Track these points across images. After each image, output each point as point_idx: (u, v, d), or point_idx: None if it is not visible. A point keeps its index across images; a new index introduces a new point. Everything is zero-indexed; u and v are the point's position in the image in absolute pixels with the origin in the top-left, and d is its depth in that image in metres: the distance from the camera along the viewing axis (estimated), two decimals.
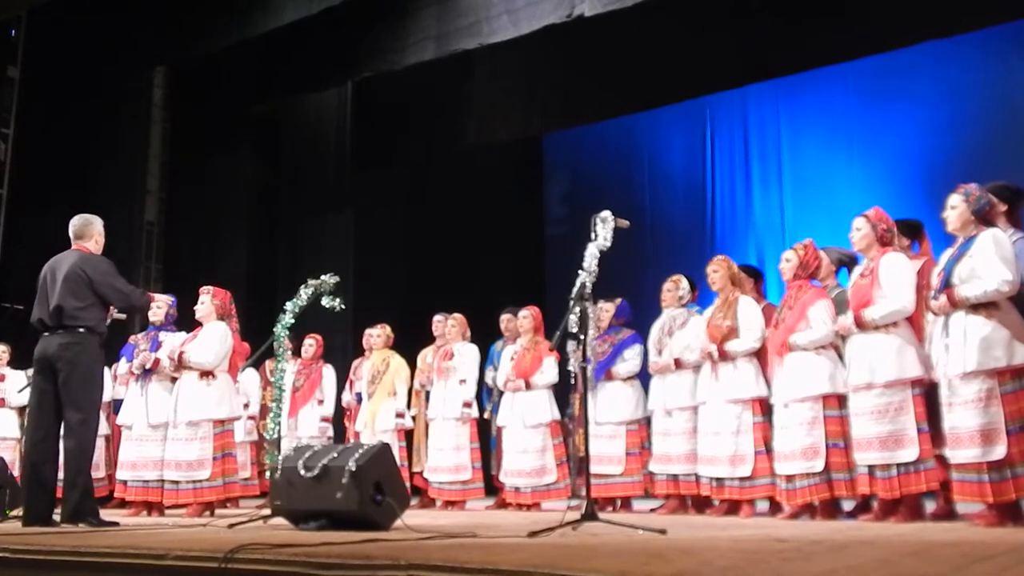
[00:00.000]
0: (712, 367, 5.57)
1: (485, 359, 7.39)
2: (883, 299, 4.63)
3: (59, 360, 4.88)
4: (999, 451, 4.03)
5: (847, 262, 5.47)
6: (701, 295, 6.53)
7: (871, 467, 4.61)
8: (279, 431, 5.75)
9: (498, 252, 10.73)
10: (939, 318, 4.34)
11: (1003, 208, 4.49)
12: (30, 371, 8.09)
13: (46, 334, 4.97)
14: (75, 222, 5.25)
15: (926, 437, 4.47)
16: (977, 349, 4.12)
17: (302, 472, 4.19)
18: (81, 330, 4.93)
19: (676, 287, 6.20)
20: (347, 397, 8.01)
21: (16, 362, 8.46)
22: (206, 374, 6.07)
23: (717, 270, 5.72)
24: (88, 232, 5.22)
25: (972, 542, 3.28)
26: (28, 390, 7.99)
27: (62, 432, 4.86)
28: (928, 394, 4.52)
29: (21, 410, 8.36)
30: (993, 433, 4.05)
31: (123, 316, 5.81)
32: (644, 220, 10.06)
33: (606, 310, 6.50)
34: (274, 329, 5.72)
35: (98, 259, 5.14)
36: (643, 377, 6.45)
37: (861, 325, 4.67)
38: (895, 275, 4.64)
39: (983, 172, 5.82)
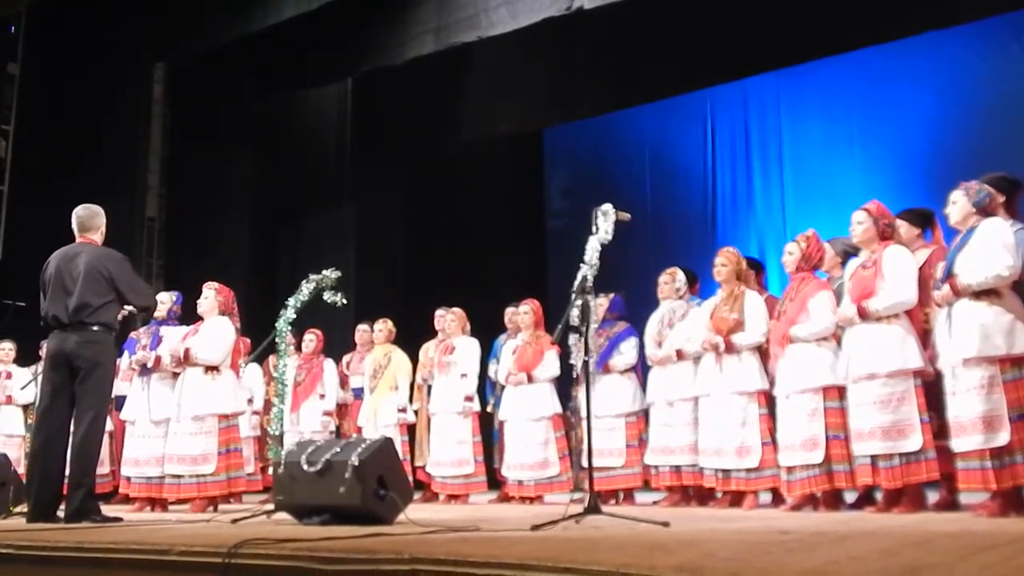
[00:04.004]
0: (716, 359, 5.57)
1: (488, 353, 7.39)
2: (886, 290, 4.63)
3: (79, 358, 4.80)
4: (1002, 438, 4.05)
5: (853, 253, 5.45)
6: (702, 287, 6.52)
7: (873, 457, 4.62)
8: (282, 426, 5.75)
9: (499, 246, 10.73)
10: (943, 308, 4.35)
11: (1001, 199, 4.49)
12: (33, 367, 8.14)
13: (59, 330, 4.88)
14: (81, 213, 5.12)
15: (927, 427, 4.49)
16: (978, 336, 4.14)
17: (305, 467, 4.19)
18: (96, 328, 4.86)
19: (672, 279, 6.21)
20: (340, 394, 7.97)
21: (21, 359, 8.46)
22: (211, 369, 6.07)
23: (725, 264, 5.71)
24: (95, 224, 5.12)
25: (975, 532, 3.29)
26: (31, 386, 8.05)
27: (72, 429, 4.80)
28: (932, 386, 4.53)
29: (26, 407, 8.37)
30: (996, 420, 4.07)
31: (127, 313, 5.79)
32: (645, 213, 10.05)
33: (600, 304, 6.50)
34: (276, 324, 5.72)
35: (117, 256, 5.05)
36: (641, 369, 6.45)
37: (864, 316, 4.68)
38: (899, 267, 4.65)
39: (984, 162, 5.81)
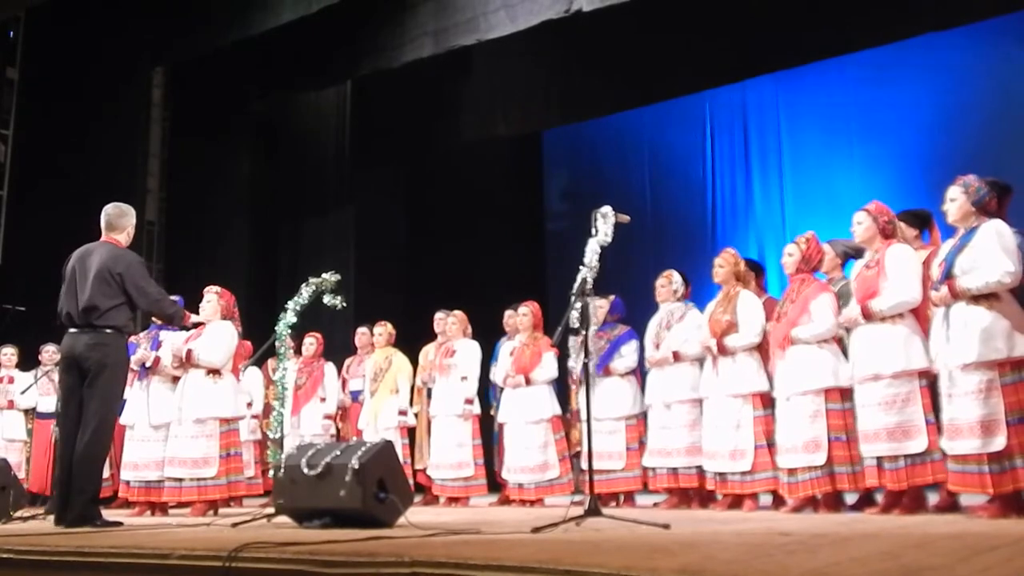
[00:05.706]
0: (713, 362, 5.57)
1: (490, 356, 7.38)
2: (890, 290, 4.62)
3: (87, 360, 4.78)
4: (999, 442, 4.03)
5: (853, 254, 5.45)
6: (701, 289, 6.52)
7: (879, 459, 4.61)
8: (282, 430, 5.75)
9: (498, 248, 10.73)
10: (940, 309, 4.33)
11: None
12: (34, 371, 8.16)
13: (72, 330, 4.84)
14: (110, 211, 5.06)
15: (932, 428, 4.47)
16: (978, 340, 4.11)
17: (305, 470, 4.19)
18: (108, 330, 4.82)
19: (668, 282, 6.21)
20: (340, 396, 7.97)
21: (23, 363, 8.46)
22: (213, 372, 6.06)
23: (723, 265, 5.71)
24: (122, 224, 5.06)
25: (975, 534, 3.29)
26: (33, 390, 8.08)
27: (79, 432, 4.75)
28: (935, 386, 4.53)
29: (27, 412, 8.39)
30: (993, 424, 4.05)
31: None
32: (645, 215, 10.07)
33: (600, 306, 6.49)
34: (276, 328, 5.71)
35: (130, 257, 4.98)
36: (641, 372, 6.45)
37: (868, 316, 4.67)
38: (902, 266, 4.64)
39: (982, 163, 5.82)
